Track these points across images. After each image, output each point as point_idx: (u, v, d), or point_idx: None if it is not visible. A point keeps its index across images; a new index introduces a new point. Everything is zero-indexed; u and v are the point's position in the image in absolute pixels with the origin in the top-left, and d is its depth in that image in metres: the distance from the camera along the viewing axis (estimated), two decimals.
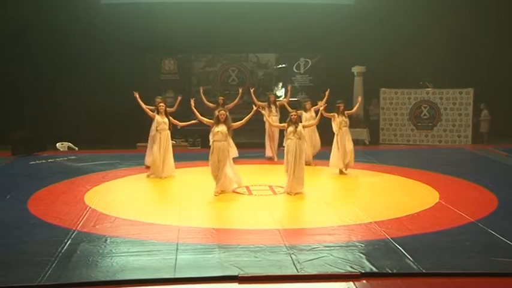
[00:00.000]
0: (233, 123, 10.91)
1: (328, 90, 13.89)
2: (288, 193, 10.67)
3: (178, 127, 12.90)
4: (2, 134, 16.77)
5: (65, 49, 18.13)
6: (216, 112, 11.10)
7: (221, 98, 14.37)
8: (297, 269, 6.77)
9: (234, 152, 12.92)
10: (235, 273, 6.59)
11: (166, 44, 18.96)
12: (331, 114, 12.64)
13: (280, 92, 19.85)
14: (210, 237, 8.18)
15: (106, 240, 7.89)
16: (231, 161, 11.01)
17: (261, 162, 14.50)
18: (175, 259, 7.10)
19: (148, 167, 12.72)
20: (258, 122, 14.19)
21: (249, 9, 18.73)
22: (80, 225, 8.60)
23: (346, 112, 12.75)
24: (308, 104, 13.97)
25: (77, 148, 17.35)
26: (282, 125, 11.67)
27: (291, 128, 10.77)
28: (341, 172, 12.67)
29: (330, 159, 12.72)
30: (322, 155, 13.75)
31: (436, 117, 18.82)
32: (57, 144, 17.15)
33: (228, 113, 11.00)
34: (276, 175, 11.93)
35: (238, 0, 19.32)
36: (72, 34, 18.13)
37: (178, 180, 12.24)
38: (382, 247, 7.59)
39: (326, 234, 8.21)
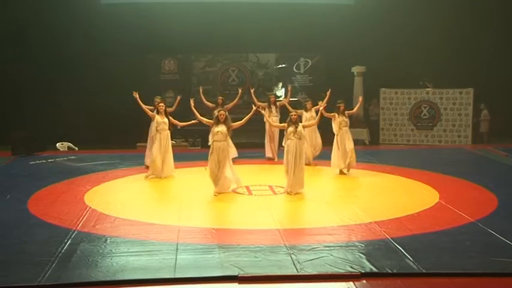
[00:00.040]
0: (233, 123, 10.91)
1: (330, 90, 13.89)
2: (288, 193, 10.68)
3: (178, 127, 12.90)
4: (2, 134, 16.77)
5: (65, 49, 18.14)
6: (216, 112, 11.10)
7: (220, 98, 14.37)
8: (297, 269, 6.77)
9: (233, 152, 12.92)
10: (235, 273, 6.59)
11: (166, 44, 18.95)
12: (332, 114, 12.64)
13: (280, 92, 19.85)
14: (210, 237, 8.18)
15: (106, 240, 7.89)
16: (231, 162, 11.01)
17: (261, 162, 14.50)
18: (175, 259, 7.10)
19: (148, 167, 12.71)
20: (258, 122, 14.21)
21: (249, 9, 18.73)
22: (80, 225, 8.60)
23: (346, 112, 12.76)
24: (309, 104, 13.97)
25: (77, 148, 17.36)
26: (282, 125, 11.67)
27: (291, 128, 10.77)
28: (341, 172, 12.67)
29: (331, 159, 12.73)
30: (323, 155, 13.76)
31: (436, 117, 18.82)
32: (57, 144, 17.15)
33: (227, 113, 11.00)
34: (276, 175, 11.93)
35: (238, 0, 19.32)
36: (72, 34, 18.13)
37: (178, 180, 12.24)
38: (382, 247, 7.59)
39: (326, 234, 8.21)
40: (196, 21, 18.26)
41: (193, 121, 11.80)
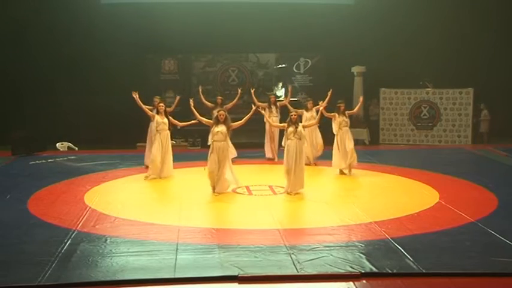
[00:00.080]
0: (232, 123, 10.91)
1: (331, 90, 13.85)
2: (288, 193, 10.67)
3: (178, 127, 12.90)
4: (2, 134, 16.77)
5: (64, 49, 18.15)
6: (215, 112, 11.09)
7: (219, 98, 14.38)
8: (297, 269, 6.77)
9: (232, 152, 12.93)
10: (235, 273, 6.59)
11: (166, 44, 18.95)
12: (332, 114, 12.65)
13: (280, 92, 19.85)
14: (210, 237, 8.18)
15: (106, 240, 7.89)
16: (230, 162, 11.01)
17: (261, 162, 14.51)
18: (175, 259, 7.10)
19: (148, 167, 12.71)
20: (258, 122, 14.21)
21: (249, 9, 18.73)
22: (80, 225, 8.60)
23: (347, 112, 12.75)
24: (310, 104, 13.97)
25: (77, 148, 17.36)
26: (282, 125, 11.67)
27: (291, 129, 10.77)
28: (341, 172, 12.67)
29: (332, 159, 12.73)
30: (324, 155, 13.78)
31: (436, 117, 18.82)
32: (57, 144, 17.16)
33: (227, 113, 11.00)
34: (276, 175, 11.93)
35: (238, 0, 19.33)
36: (72, 34, 18.14)
37: (178, 180, 12.24)
38: (382, 247, 7.59)
39: (326, 234, 8.21)
40: (196, 21, 18.26)
41: (193, 121, 11.79)
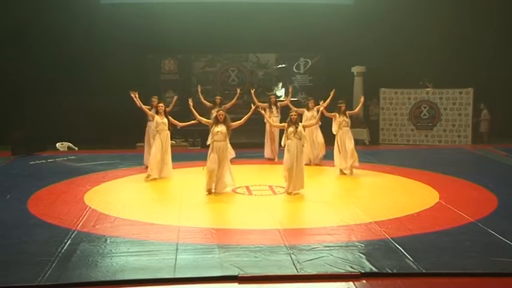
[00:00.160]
0: (232, 123, 10.91)
1: (334, 90, 13.80)
2: (288, 193, 10.67)
3: (178, 127, 12.89)
4: (2, 134, 16.77)
5: (64, 49, 18.16)
6: (214, 112, 11.08)
7: (218, 97, 14.37)
8: (296, 269, 6.77)
9: (231, 153, 12.91)
10: (235, 273, 6.59)
11: (166, 44, 18.94)
12: (332, 114, 12.65)
13: (280, 92, 19.85)
14: (210, 237, 8.18)
15: (106, 240, 7.89)
16: (229, 162, 11.01)
17: (261, 162, 14.51)
18: (175, 259, 7.10)
19: (148, 167, 12.70)
20: (258, 122, 14.21)
21: (249, 9, 18.73)
22: (80, 225, 8.60)
23: (347, 112, 12.75)
24: (311, 103, 13.95)
25: (76, 148, 17.36)
26: (282, 124, 11.67)
27: (291, 129, 10.76)
28: (341, 172, 12.66)
29: (334, 159, 12.72)
30: (325, 155, 13.78)
31: (436, 117, 18.82)
32: (57, 144, 17.15)
33: (226, 113, 10.99)
34: (276, 175, 11.92)
35: (238, 0, 19.32)
36: (72, 34, 18.14)
37: (178, 180, 12.24)
38: (382, 247, 7.59)
39: (326, 234, 8.21)
40: (196, 21, 18.26)
41: (192, 121, 11.79)
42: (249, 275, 6.58)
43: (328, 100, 13.17)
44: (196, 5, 19.00)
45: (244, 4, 18.97)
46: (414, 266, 6.85)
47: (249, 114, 11.14)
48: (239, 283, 6.47)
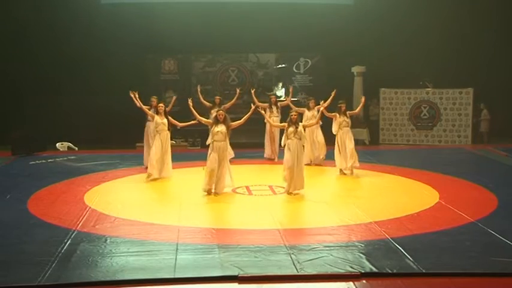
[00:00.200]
0: (232, 123, 10.91)
1: (335, 90, 13.79)
2: (288, 193, 10.67)
3: (178, 127, 12.88)
4: (2, 134, 16.76)
5: (64, 49, 18.16)
6: (214, 112, 11.07)
7: (217, 97, 14.37)
8: (296, 269, 6.77)
9: (230, 153, 12.91)
10: (235, 273, 6.59)
11: (166, 44, 18.95)
12: (333, 114, 12.64)
13: (280, 92, 19.85)
14: (210, 237, 8.18)
15: (106, 240, 7.89)
16: (228, 163, 11.00)
17: (261, 162, 14.51)
18: (175, 259, 7.10)
19: (147, 168, 12.69)
20: (258, 122, 14.21)
21: (249, 9, 18.73)
22: (80, 225, 8.60)
23: (348, 112, 12.74)
24: (312, 103, 13.94)
25: (76, 148, 17.35)
26: (282, 124, 11.67)
27: (291, 129, 10.75)
28: (341, 172, 12.66)
29: (335, 159, 12.72)
30: (326, 155, 13.76)
31: (436, 117, 18.82)
32: (57, 144, 17.15)
33: (226, 113, 10.99)
34: (276, 175, 11.92)
35: (238, 0, 19.32)
36: (72, 34, 18.14)
37: (178, 180, 12.24)
38: (382, 247, 7.59)
39: (326, 234, 8.21)
40: (196, 21, 18.26)
41: (192, 121, 11.78)
42: (249, 275, 6.58)
43: (329, 100, 13.14)
44: (196, 5, 19.01)
45: (244, 4, 18.97)
46: (414, 266, 6.85)
47: (249, 114, 11.14)
48: (239, 283, 6.47)
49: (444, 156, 15.73)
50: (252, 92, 14.81)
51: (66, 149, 17.16)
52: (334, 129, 12.66)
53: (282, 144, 11.05)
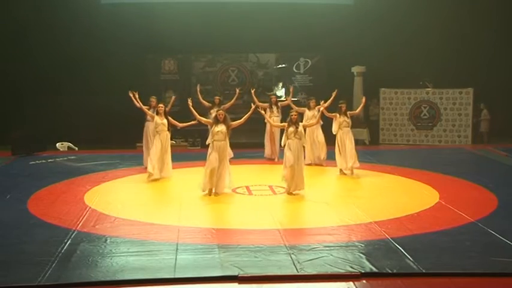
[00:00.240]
0: (232, 122, 10.91)
1: (336, 90, 13.78)
2: (288, 193, 10.66)
3: (178, 128, 12.87)
4: (2, 134, 16.76)
5: (64, 49, 18.17)
6: (213, 112, 11.06)
7: (217, 97, 14.37)
8: (296, 269, 6.77)
9: (229, 153, 12.90)
10: (235, 273, 6.59)
11: (166, 44, 18.95)
12: (333, 114, 12.64)
13: (280, 92, 19.85)
14: (210, 237, 8.18)
15: (106, 240, 7.89)
16: (228, 163, 10.99)
17: (261, 162, 14.50)
18: (175, 259, 7.10)
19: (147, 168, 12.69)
20: (258, 122, 14.21)
21: (249, 9, 18.73)
22: (80, 225, 8.60)
23: (349, 112, 12.73)
24: (312, 102, 13.92)
25: (77, 148, 17.35)
26: (282, 124, 11.67)
27: (291, 128, 10.75)
28: (341, 172, 12.65)
29: (336, 159, 12.71)
30: (327, 155, 13.76)
31: (436, 117, 18.82)
32: (57, 144, 17.15)
33: (225, 112, 10.99)
34: (276, 175, 11.89)
35: (238, 0, 19.33)
36: (72, 34, 18.15)
37: (178, 180, 12.23)
38: (382, 247, 7.59)
39: (326, 234, 8.21)
40: (196, 21, 18.26)
41: (192, 122, 11.78)
42: (249, 275, 6.58)
43: (329, 100, 13.15)
44: (196, 5, 19.01)
45: (244, 4, 18.98)
46: (414, 266, 6.85)
47: (249, 113, 11.14)
48: (239, 283, 6.47)
49: (444, 156, 15.73)
50: (252, 92, 14.81)
51: (66, 149, 17.16)
52: (334, 129, 12.66)
53: (282, 144, 11.04)
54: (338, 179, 12.51)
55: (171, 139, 12.72)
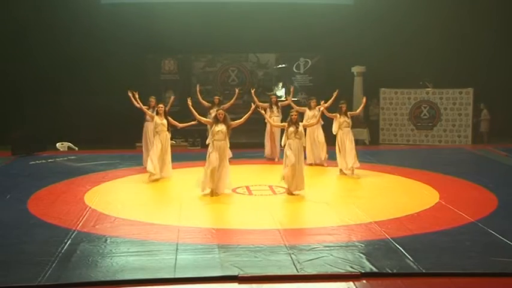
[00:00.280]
0: (232, 122, 10.90)
1: (337, 91, 13.77)
2: (288, 193, 10.66)
3: (178, 128, 12.87)
4: (2, 134, 16.77)
5: (65, 49, 18.17)
6: (213, 112, 11.05)
7: (216, 98, 14.37)
8: (296, 269, 6.77)
9: (229, 153, 12.89)
10: (235, 273, 6.60)
11: (166, 44, 18.95)
12: (334, 114, 12.63)
13: (280, 92, 19.85)
14: (210, 237, 8.18)
15: (106, 240, 7.89)
16: (228, 163, 10.98)
17: (261, 162, 14.50)
18: (175, 259, 7.10)
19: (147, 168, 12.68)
20: (258, 121, 14.21)
21: (249, 9, 18.73)
22: (80, 225, 8.60)
23: (349, 113, 12.72)
24: (313, 102, 13.91)
25: (77, 148, 17.35)
26: (282, 124, 11.67)
27: (291, 129, 10.74)
28: (341, 172, 12.65)
29: (337, 159, 12.70)
30: (328, 155, 13.77)
31: (436, 117, 18.82)
32: (57, 144, 17.15)
33: (225, 112, 10.99)
34: (276, 175, 11.86)
35: (238, 0, 19.33)
36: (72, 34, 18.15)
37: (178, 180, 12.23)
38: (382, 247, 7.59)
39: (326, 234, 8.21)
40: (196, 21, 18.26)
41: (192, 122, 11.77)
42: (249, 275, 6.58)
43: (330, 101, 13.15)
44: (196, 5, 19.01)
45: (244, 4, 18.98)
46: (414, 266, 6.85)
47: (249, 113, 11.12)
48: (239, 283, 6.47)
49: (444, 156, 15.73)
50: (252, 91, 14.81)
51: (66, 149, 17.16)
52: (334, 129, 12.65)
53: (283, 144, 11.04)
54: (338, 179, 12.51)
55: (171, 139, 12.71)
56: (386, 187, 11.56)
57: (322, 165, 13.70)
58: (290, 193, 10.63)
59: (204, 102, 14.44)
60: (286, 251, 7.38)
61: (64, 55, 18.12)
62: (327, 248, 7.49)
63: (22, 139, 15.75)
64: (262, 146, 14.91)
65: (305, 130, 11.11)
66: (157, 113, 12.27)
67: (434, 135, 18.91)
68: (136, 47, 18.43)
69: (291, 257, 7.12)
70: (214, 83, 19.96)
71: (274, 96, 15.01)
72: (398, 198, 10.48)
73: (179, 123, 12.36)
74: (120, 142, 17.42)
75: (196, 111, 11.47)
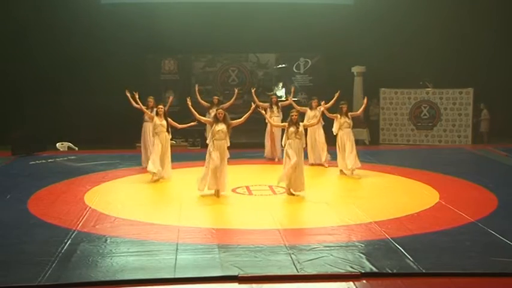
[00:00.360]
0: (232, 121, 10.90)
1: (339, 92, 13.74)
2: (288, 193, 10.66)
3: (178, 128, 12.86)
4: (2, 134, 16.77)
5: (65, 49, 18.17)
6: (213, 112, 11.04)
7: (216, 97, 14.37)
8: (297, 269, 6.77)
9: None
10: (235, 273, 6.60)
11: (166, 44, 18.96)
12: (334, 115, 12.62)
13: (281, 92, 19.85)
14: (210, 237, 8.18)
15: (106, 240, 7.89)
16: (226, 162, 10.97)
17: (261, 162, 14.50)
18: (175, 259, 7.10)
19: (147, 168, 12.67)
20: (258, 121, 14.21)
21: (249, 9, 18.74)
22: (80, 225, 8.60)
23: (350, 113, 12.71)
24: (314, 102, 13.90)
25: (77, 148, 17.35)
26: (282, 124, 11.66)
27: (292, 129, 10.73)
28: (341, 172, 12.65)
29: (337, 159, 12.70)
30: (330, 155, 13.76)
31: (436, 117, 18.82)
32: (57, 144, 17.15)
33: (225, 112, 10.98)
34: (276, 175, 11.85)
35: (238, 0, 19.33)
36: (72, 34, 18.15)
37: (178, 180, 12.23)
38: (382, 247, 7.59)
39: (326, 234, 8.21)
40: (196, 21, 18.26)
41: (192, 123, 11.77)
42: (249, 275, 6.58)
43: (332, 101, 13.15)
44: (196, 5, 19.01)
45: (244, 4, 18.98)
46: (414, 266, 6.86)
47: (249, 112, 11.11)
48: (239, 283, 6.47)
49: (444, 156, 15.73)
50: (253, 91, 14.82)
51: (66, 149, 17.16)
52: (335, 129, 12.64)
53: (283, 144, 11.04)
54: (338, 179, 12.51)
55: (171, 139, 12.70)
56: (386, 187, 11.56)
57: (323, 166, 13.70)
58: (290, 193, 10.62)
59: (203, 102, 14.44)
60: (286, 251, 7.38)
61: (64, 55, 18.12)
62: (327, 248, 7.49)
63: (22, 139, 15.75)
64: (262, 146, 14.91)
65: (305, 130, 11.09)
66: (157, 114, 12.24)
67: (434, 135, 18.91)
68: (136, 47, 18.43)
69: (291, 257, 7.12)
70: (214, 83, 19.96)
71: (274, 96, 15.02)
72: (398, 198, 10.48)
73: (179, 123, 12.35)
74: (120, 142, 17.42)
75: (196, 111, 11.47)
